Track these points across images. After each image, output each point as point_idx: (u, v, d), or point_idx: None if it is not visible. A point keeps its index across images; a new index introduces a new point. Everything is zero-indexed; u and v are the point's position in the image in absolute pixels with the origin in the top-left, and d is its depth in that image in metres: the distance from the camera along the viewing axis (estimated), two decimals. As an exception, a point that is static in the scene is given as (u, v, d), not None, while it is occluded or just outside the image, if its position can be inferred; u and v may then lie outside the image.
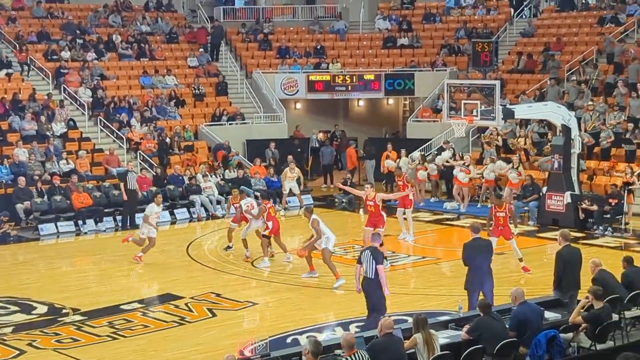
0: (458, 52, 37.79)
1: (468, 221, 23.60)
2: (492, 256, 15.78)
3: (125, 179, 26.59)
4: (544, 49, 36.01)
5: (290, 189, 29.37)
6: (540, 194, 26.02)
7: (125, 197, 26.48)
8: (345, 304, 18.00)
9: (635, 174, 25.80)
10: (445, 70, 36.38)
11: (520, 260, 20.02)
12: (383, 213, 21.03)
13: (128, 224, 26.27)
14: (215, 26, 38.62)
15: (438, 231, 24.37)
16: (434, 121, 33.99)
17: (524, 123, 30.78)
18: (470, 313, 13.93)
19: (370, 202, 21.03)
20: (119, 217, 26.65)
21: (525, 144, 30.13)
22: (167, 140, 31.31)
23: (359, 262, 15.49)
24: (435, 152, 30.69)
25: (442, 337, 12.52)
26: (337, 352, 11.85)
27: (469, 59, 35.82)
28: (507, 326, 12.72)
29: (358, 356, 10.91)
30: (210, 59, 37.23)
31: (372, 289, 15.31)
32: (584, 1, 39.40)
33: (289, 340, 15.46)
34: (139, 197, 26.84)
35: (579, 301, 14.31)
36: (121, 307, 17.87)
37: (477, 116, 24.80)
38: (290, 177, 29.36)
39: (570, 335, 13.05)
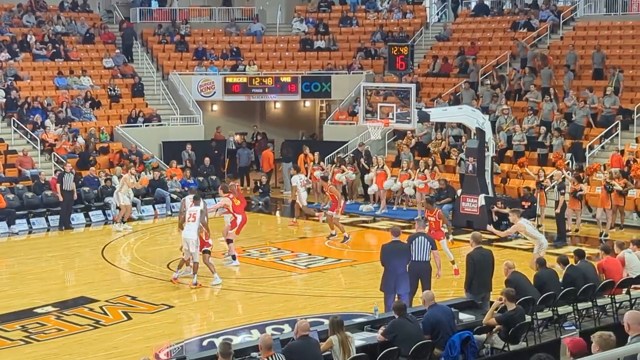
0: (374, 55, 38.11)
1: (384, 224, 23.82)
2: (409, 260, 15.94)
3: (61, 180, 26.24)
4: (458, 53, 36.56)
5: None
6: (455, 196, 26.38)
7: (61, 198, 26.19)
8: (261, 306, 18.03)
9: (547, 176, 26.32)
10: (362, 73, 36.67)
11: (452, 262, 20.22)
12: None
13: (64, 226, 25.99)
14: (124, 28, 38.19)
15: (354, 233, 24.55)
16: (350, 124, 34.21)
17: (440, 126, 31.19)
18: (385, 315, 14.09)
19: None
20: (32, 220, 26.28)
21: (441, 146, 30.53)
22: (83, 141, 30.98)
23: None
24: (352, 155, 30.87)
25: (358, 339, 12.63)
26: (254, 354, 11.90)
27: (385, 62, 36.14)
28: (420, 327, 12.88)
29: (275, 358, 10.95)
30: (126, 60, 36.87)
31: (427, 272, 16.11)
32: (498, 7, 40.01)
33: (204, 343, 15.44)
34: (74, 197, 26.54)
35: (491, 303, 14.60)
36: (34, 310, 17.63)
37: (393, 119, 25.06)
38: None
39: (484, 336, 13.26)
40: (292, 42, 39.59)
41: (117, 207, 26.94)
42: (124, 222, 26.18)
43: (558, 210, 23.92)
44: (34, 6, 38.14)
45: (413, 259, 15.92)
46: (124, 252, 23.11)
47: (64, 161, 28.96)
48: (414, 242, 16.03)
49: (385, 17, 40.71)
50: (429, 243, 16.09)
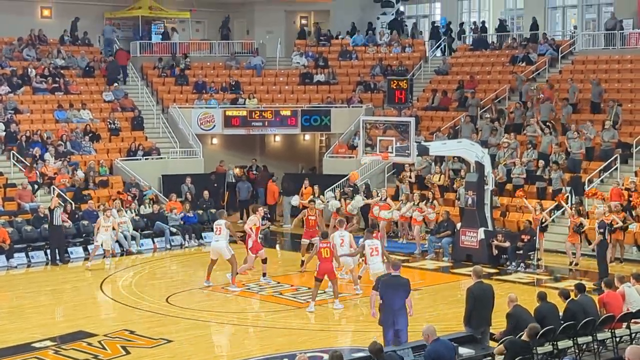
0: (374, 89, 38.24)
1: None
2: (407, 294, 15.85)
3: (52, 215, 26.20)
4: (457, 87, 36.67)
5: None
6: (455, 230, 26.36)
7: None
8: (261, 341, 17.96)
9: (545, 211, 26.33)
10: (361, 106, 36.76)
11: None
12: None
13: (57, 259, 25.96)
14: (109, 61, 38.26)
15: (355, 267, 24.44)
16: (350, 157, 34.25)
17: (439, 160, 31.23)
18: (385, 349, 13.99)
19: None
20: (31, 253, 26.24)
21: (439, 180, 30.56)
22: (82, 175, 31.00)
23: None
24: (351, 188, 30.86)
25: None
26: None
27: (385, 96, 36.23)
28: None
29: None
30: (126, 94, 36.96)
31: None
32: (496, 41, 40.18)
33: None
34: (64, 231, 26.53)
35: (492, 335, 14.58)
36: (33, 344, 17.54)
37: (392, 153, 25.08)
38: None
39: (483, 370, 13.23)
40: (291, 76, 39.73)
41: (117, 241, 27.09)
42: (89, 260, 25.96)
43: (594, 248, 23.89)
44: (35, 40, 38.29)
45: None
46: (122, 286, 23.03)
47: (64, 195, 28.98)
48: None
49: (385, 51, 40.87)
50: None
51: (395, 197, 30.08)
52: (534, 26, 39.12)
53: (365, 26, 43.07)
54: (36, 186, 29.69)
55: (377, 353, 12.39)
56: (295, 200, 28.89)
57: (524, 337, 13.34)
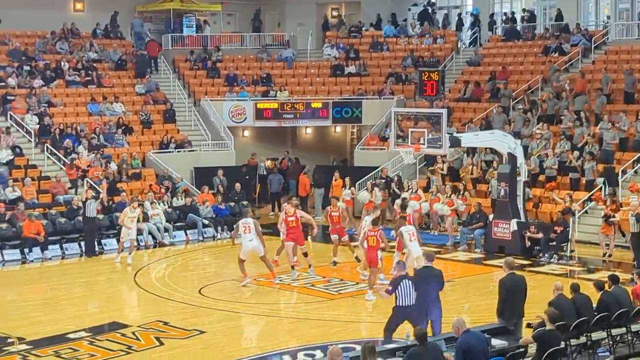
0: (405, 80, 38.15)
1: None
2: (441, 286, 15.87)
3: (85, 208, 26.37)
4: (490, 78, 36.50)
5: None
6: (487, 221, 26.27)
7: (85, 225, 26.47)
8: (293, 332, 18.01)
9: (577, 202, 26.17)
10: (393, 98, 36.69)
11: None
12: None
13: (89, 252, 26.15)
14: (138, 55, 38.51)
15: (386, 259, 24.41)
16: (381, 149, 34.22)
17: (472, 151, 31.12)
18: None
19: (291, 218, 22.44)
20: (65, 245, 26.45)
21: (472, 173, 30.46)
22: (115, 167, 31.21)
23: (388, 291, 15.43)
24: (383, 180, 30.85)
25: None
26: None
27: (416, 87, 36.17)
28: (442, 354, 12.70)
29: None
30: (158, 87, 37.15)
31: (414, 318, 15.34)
32: (529, 32, 39.97)
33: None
34: (97, 224, 26.71)
35: (529, 324, 14.55)
36: (67, 335, 17.70)
37: (424, 144, 25.02)
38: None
39: (516, 362, 13.17)
40: (323, 68, 39.71)
41: (150, 233, 27.19)
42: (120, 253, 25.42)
43: (628, 240, 23.78)
44: (67, 33, 38.55)
45: (399, 304, 15.26)
46: (156, 278, 23.17)
47: (97, 187, 29.19)
48: (399, 286, 15.31)
49: (416, 42, 40.75)
50: (413, 285, 15.37)
51: (427, 189, 30.03)
52: (559, 17, 38.90)
53: (395, 18, 42.92)
54: (76, 183, 29.75)
55: (421, 338, 12.48)
56: (364, 196, 28.84)
57: (547, 324, 13.28)
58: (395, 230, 22.35)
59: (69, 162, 30.28)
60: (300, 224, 22.77)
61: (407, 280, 15.21)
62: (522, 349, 13.56)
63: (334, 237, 24.17)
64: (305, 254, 22.89)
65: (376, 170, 32.34)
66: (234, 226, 23.11)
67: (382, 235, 20.60)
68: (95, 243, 26.58)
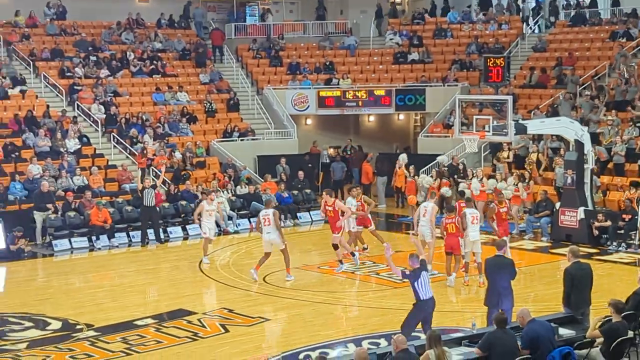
0: (469, 67, 37.84)
1: (482, 237, 23.31)
2: (513, 275, 15.75)
3: (142, 196, 26.64)
4: (556, 64, 36.03)
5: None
6: (554, 209, 25.96)
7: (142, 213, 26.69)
8: (357, 320, 18.00)
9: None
10: (457, 85, 36.43)
11: None
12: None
13: (146, 240, 26.40)
14: (198, 44, 38.71)
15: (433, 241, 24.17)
16: (445, 136, 34.01)
17: (537, 138, 30.77)
18: (484, 329, 13.91)
19: (329, 207, 22.06)
20: (132, 233, 26.74)
21: (537, 159, 30.09)
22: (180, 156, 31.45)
23: (405, 276, 15.13)
24: (446, 168, 30.65)
25: (456, 354, 12.51)
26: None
27: (481, 74, 35.88)
28: (517, 341, 12.68)
29: None
30: (221, 76, 37.37)
31: (432, 311, 15.11)
32: (596, 17, 39.39)
33: (301, 356, 15.47)
34: (156, 213, 26.93)
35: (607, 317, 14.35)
36: (134, 322, 17.91)
37: (489, 131, 24.78)
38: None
39: (584, 352, 13.01)
40: (385, 55, 39.57)
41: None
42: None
43: None
44: (132, 24, 38.93)
45: (422, 297, 14.85)
46: (220, 265, 23.32)
47: (160, 174, 29.44)
48: (419, 279, 14.84)
49: (481, 28, 40.39)
50: (429, 277, 15.13)
51: (492, 177, 29.73)
52: (615, 2, 38.26)
53: (451, 3, 42.56)
54: (145, 172, 29.92)
55: (500, 323, 12.52)
56: (427, 181, 28.89)
57: (613, 316, 13.10)
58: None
59: (140, 151, 30.48)
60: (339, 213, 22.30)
61: (425, 273, 14.95)
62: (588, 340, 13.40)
63: (357, 228, 23.68)
64: (335, 247, 22.29)
65: (438, 157, 32.12)
66: (257, 217, 22.07)
67: (460, 222, 20.44)
68: (157, 232, 26.70)
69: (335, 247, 22.16)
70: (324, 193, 23.10)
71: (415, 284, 14.77)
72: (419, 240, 21.15)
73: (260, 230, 21.39)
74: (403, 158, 31.03)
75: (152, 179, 27.78)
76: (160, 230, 26.83)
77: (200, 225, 24.25)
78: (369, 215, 23.89)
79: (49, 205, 26.18)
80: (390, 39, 40.26)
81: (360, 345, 15.47)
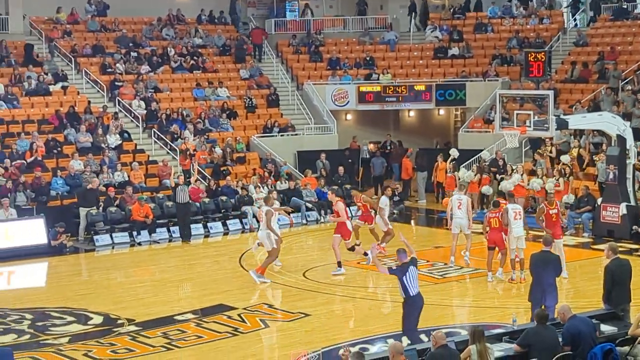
0: (510, 62, 37.60)
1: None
2: (558, 271, 15.65)
3: (175, 193, 26.78)
4: (598, 59, 35.69)
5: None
6: (595, 205, 25.75)
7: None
8: (397, 316, 17.95)
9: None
10: (497, 80, 36.20)
11: None
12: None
13: (184, 236, 26.52)
14: (237, 38, 38.82)
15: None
16: (486, 132, 33.83)
17: (579, 133, 30.51)
18: (525, 325, 13.82)
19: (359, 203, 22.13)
20: (172, 228, 26.89)
21: (578, 154, 29.85)
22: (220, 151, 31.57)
23: (393, 271, 15.15)
24: (486, 163, 30.49)
25: (497, 350, 12.43)
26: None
27: (522, 69, 35.63)
28: (559, 337, 12.60)
29: None
30: (261, 72, 37.45)
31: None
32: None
33: (341, 352, 15.42)
34: (190, 209, 27.02)
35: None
36: (175, 317, 18.01)
37: (530, 127, 24.63)
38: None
39: (626, 348, 12.89)
40: (425, 50, 39.42)
41: (254, 216, 27.33)
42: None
43: None
44: (173, 20, 39.12)
45: (411, 293, 14.75)
46: (260, 261, 23.34)
47: (203, 171, 29.64)
48: (407, 274, 14.72)
49: (522, 23, 40.11)
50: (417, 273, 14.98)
51: (533, 173, 29.55)
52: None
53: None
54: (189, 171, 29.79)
55: (542, 319, 12.47)
56: (468, 176, 28.86)
57: None
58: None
59: (183, 152, 30.50)
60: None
61: (413, 268, 14.81)
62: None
63: (359, 222, 23.67)
64: (352, 249, 22.12)
65: (480, 152, 31.98)
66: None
67: (503, 217, 20.32)
68: (186, 228, 26.71)
69: (352, 249, 22.01)
70: (329, 192, 22.93)
71: (404, 279, 14.59)
72: (458, 235, 21.17)
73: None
74: (453, 152, 30.82)
75: (192, 174, 27.88)
76: (191, 227, 26.82)
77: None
78: (372, 213, 23.76)
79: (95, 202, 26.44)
80: (431, 33, 40.06)
81: (400, 341, 15.44)
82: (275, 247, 20.68)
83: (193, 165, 28.56)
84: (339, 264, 21.42)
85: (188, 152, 30.30)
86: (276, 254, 20.90)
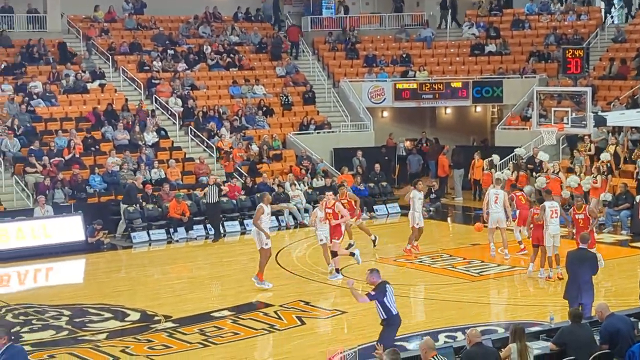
0: (547, 58, 37.34)
1: (563, 230, 23.01)
2: (595, 269, 15.53)
3: (205, 193, 26.85)
4: (636, 55, 35.35)
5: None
6: (634, 202, 25.51)
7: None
8: (434, 313, 17.92)
9: None
10: (535, 77, 35.97)
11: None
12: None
13: (216, 235, 26.64)
14: (275, 36, 38.87)
15: (525, 241, 23.98)
16: (523, 129, 33.62)
17: (617, 130, 30.23)
18: (562, 323, 13.73)
19: (329, 210, 20.85)
20: (209, 225, 26.98)
21: (616, 151, 29.58)
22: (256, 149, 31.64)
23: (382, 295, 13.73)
24: (523, 161, 30.29)
25: (534, 348, 12.35)
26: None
27: (559, 65, 35.37)
28: (594, 336, 12.49)
29: (438, 359, 11.08)
30: (297, 69, 37.48)
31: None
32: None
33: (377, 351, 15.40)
34: (220, 209, 27.00)
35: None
36: (211, 314, 18.07)
37: (567, 124, 24.48)
38: None
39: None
40: (462, 47, 39.25)
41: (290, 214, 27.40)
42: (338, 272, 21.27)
43: None
44: (209, 17, 39.25)
45: (394, 312, 13.76)
46: (297, 258, 23.40)
47: (239, 169, 29.69)
48: (386, 293, 13.70)
49: (559, 19, 39.82)
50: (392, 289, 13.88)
51: (570, 170, 29.33)
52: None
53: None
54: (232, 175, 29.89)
55: (576, 317, 12.41)
56: (505, 173, 28.64)
57: None
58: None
59: (225, 154, 30.49)
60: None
61: (389, 286, 13.86)
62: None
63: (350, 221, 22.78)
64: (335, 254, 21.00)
65: (516, 149, 31.76)
66: None
67: (540, 214, 20.12)
68: (216, 227, 26.75)
69: (334, 254, 20.89)
70: (327, 192, 21.93)
71: (385, 300, 13.66)
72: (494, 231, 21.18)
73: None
74: (495, 159, 30.70)
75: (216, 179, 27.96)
76: (220, 225, 26.90)
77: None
78: (358, 209, 23.73)
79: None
80: (468, 30, 39.87)
81: (436, 339, 15.41)
82: (265, 248, 19.84)
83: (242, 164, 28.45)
84: (337, 270, 20.77)
85: (231, 156, 30.33)
86: (268, 255, 20.04)
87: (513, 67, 37.33)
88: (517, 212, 22.87)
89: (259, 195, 23.15)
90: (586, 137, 29.71)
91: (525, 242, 22.12)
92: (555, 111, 25.01)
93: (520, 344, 11.64)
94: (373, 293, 13.70)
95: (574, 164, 29.31)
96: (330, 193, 21.64)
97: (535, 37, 39.13)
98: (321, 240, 20.93)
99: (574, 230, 19.76)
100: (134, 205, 26.51)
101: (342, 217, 20.95)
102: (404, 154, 35.30)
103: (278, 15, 40.67)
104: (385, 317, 13.80)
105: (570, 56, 32.29)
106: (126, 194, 26.74)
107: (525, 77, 36.19)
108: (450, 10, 40.93)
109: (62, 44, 34.52)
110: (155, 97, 33.16)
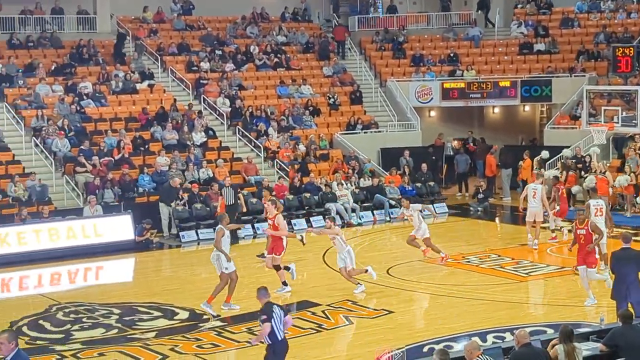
0: (597, 57, 36.98)
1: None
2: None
3: (221, 195, 26.60)
4: (688, 53, 34.90)
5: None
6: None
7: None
8: (482, 314, 17.83)
9: None
10: (584, 76, 35.63)
11: None
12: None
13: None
14: (323, 36, 38.86)
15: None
16: (572, 128, 33.32)
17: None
18: (613, 324, 13.61)
19: (270, 221, 20.15)
20: (257, 225, 27.04)
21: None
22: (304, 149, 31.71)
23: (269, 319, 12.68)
24: (573, 160, 30.03)
25: (584, 350, 12.24)
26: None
27: (609, 64, 35.01)
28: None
29: (483, 358, 11.05)
30: (345, 69, 37.48)
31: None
32: None
33: (425, 349, 15.40)
34: (235, 211, 26.32)
35: None
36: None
37: (617, 123, 24.25)
38: None
39: None
40: (510, 46, 39.00)
41: (338, 213, 27.34)
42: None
43: None
44: (257, 18, 39.41)
45: (279, 338, 12.73)
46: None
47: (287, 168, 29.78)
48: (273, 314, 12.69)
49: (609, 17, 39.41)
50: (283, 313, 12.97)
51: (621, 169, 29.01)
52: None
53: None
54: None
55: (626, 318, 12.31)
56: (553, 173, 28.54)
57: None
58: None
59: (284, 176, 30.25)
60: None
61: (277, 307, 12.90)
62: None
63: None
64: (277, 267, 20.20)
65: (563, 150, 31.51)
66: None
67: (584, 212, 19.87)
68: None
69: (277, 268, 20.07)
70: (267, 203, 20.93)
71: (272, 322, 12.58)
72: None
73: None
74: (545, 155, 30.49)
75: (277, 172, 28.07)
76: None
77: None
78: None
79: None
80: (516, 28, 39.60)
81: (485, 339, 15.35)
82: (225, 272, 18.46)
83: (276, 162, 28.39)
84: (284, 283, 20.05)
85: (264, 144, 30.41)
86: (227, 279, 18.54)
87: (562, 66, 37.02)
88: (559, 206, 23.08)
89: (218, 216, 20.32)
90: (637, 136, 29.36)
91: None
92: (605, 110, 24.77)
93: (568, 346, 11.54)
94: (264, 317, 12.57)
95: (628, 163, 28.95)
96: (270, 201, 20.70)
97: (585, 35, 38.78)
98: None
99: (572, 249, 18.86)
100: (183, 206, 26.65)
101: (277, 229, 19.86)
102: (452, 153, 35.17)
103: (338, 16, 40.52)
104: (269, 342, 12.63)
105: (620, 54, 31.97)
106: (162, 194, 26.91)
107: (575, 76, 35.87)
108: (489, 10, 40.75)
109: (118, 43, 34.82)
110: (203, 97, 33.36)
